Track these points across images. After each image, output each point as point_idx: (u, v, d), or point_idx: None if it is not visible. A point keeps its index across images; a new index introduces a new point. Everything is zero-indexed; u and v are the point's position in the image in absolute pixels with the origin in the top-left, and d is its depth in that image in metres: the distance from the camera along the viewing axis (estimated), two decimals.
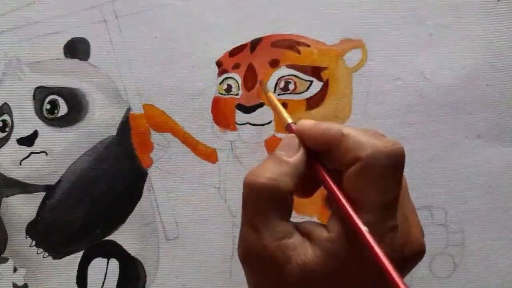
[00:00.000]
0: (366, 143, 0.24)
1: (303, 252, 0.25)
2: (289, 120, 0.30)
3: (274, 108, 0.35)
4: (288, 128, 0.30)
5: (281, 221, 0.25)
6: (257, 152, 0.42)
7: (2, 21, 0.43)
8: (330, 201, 0.28)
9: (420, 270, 0.42)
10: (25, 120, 0.43)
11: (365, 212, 0.24)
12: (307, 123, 0.27)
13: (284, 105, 0.41)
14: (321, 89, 0.41)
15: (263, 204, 0.25)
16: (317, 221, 0.42)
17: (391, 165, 0.24)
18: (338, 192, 0.25)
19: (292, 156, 0.26)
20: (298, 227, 0.26)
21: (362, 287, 0.25)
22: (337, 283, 0.24)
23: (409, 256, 0.25)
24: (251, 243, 0.26)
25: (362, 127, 0.26)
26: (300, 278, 0.24)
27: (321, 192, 0.42)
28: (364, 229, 0.23)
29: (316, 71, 0.41)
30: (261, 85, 0.41)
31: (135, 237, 0.44)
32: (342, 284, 0.25)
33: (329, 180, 0.26)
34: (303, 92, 0.41)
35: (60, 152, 0.43)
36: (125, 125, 0.43)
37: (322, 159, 0.27)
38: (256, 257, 0.25)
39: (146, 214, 0.44)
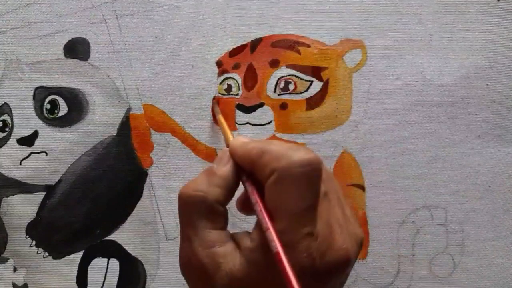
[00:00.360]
0: (282, 155, 0.25)
1: (232, 260, 0.26)
2: (231, 138, 0.32)
3: (222, 129, 0.37)
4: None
5: (212, 230, 0.27)
6: None
7: (2, 21, 0.43)
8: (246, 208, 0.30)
9: (420, 270, 0.42)
10: (25, 120, 0.43)
11: (279, 220, 0.25)
12: (237, 142, 0.29)
13: (284, 105, 0.41)
14: (321, 89, 0.41)
15: (192, 215, 0.27)
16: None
17: (305, 174, 0.25)
18: (257, 202, 0.26)
19: (221, 168, 0.28)
20: (233, 236, 0.27)
21: None
22: None
23: (331, 263, 0.25)
24: (185, 252, 0.27)
25: (290, 143, 0.28)
26: (228, 286, 0.25)
27: None
28: (272, 234, 0.24)
29: (316, 71, 0.41)
30: (213, 105, 0.42)
31: (135, 237, 0.44)
32: None
33: (250, 189, 0.27)
34: (303, 92, 0.41)
35: (60, 152, 0.43)
36: (125, 125, 0.43)
37: (251, 176, 0.28)
38: (189, 266, 0.27)
39: (146, 214, 0.44)
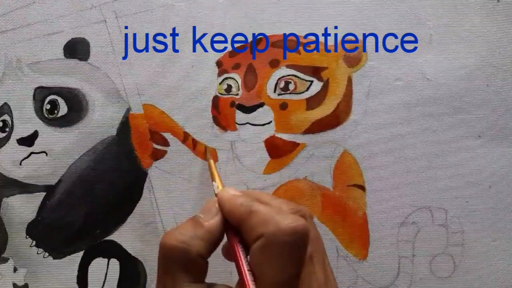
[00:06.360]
0: (269, 220, 0.26)
1: None
2: (219, 188, 0.33)
3: (211, 174, 0.37)
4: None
5: (191, 284, 0.27)
6: (257, 152, 0.43)
7: (2, 21, 0.44)
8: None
9: (420, 270, 0.43)
10: (25, 120, 0.44)
11: (262, 286, 0.25)
12: (226, 194, 0.29)
13: (284, 105, 0.42)
14: (321, 89, 0.42)
15: (172, 266, 0.27)
16: (318, 222, 0.43)
17: (291, 243, 0.25)
18: (241, 265, 0.27)
19: (208, 220, 0.28)
20: None
21: None
22: None
23: None
24: None
25: (279, 200, 0.29)
26: None
27: (321, 193, 0.42)
28: None
29: (316, 71, 0.42)
30: (205, 152, 0.43)
31: (135, 237, 0.44)
32: None
33: (237, 252, 0.28)
34: (303, 92, 0.42)
35: (60, 152, 0.44)
36: (125, 125, 0.44)
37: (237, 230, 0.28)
38: None
39: (146, 214, 0.44)
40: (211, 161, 0.39)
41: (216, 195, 0.31)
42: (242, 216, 0.27)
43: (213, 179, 0.35)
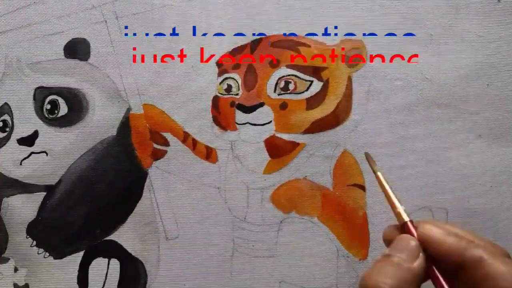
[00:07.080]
0: (508, 274, 0.24)
1: None
2: (406, 218, 0.29)
3: (387, 198, 0.31)
4: (405, 228, 0.28)
5: None
6: (257, 152, 0.43)
7: (3, 21, 0.44)
8: None
9: None
10: (26, 120, 0.44)
11: None
12: (435, 232, 0.27)
13: (284, 105, 0.42)
14: (321, 89, 0.42)
15: None
16: (318, 222, 0.43)
17: None
18: None
19: (412, 262, 0.26)
20: None
21: None
22: None
23: None
24: None
25: (492, 244, 0.26)
26: None
27: (321, 193, 0.42)
28: None
29: (316, 71, 0.42)
30: (367, 159, 0.35)
31: (135, 237, 0.45)
32: None
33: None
34: (303, 92, 0.42)
35: (60, 152, 0.44)
36: (125, 125, 0.44)
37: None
38: None
39: (146, 214, 0.45)
40: (380, 176, 0.32)
41: (404, 225, 0.28)
42: (468, 262, 0.25)
43: (393, 205, 0.30)
